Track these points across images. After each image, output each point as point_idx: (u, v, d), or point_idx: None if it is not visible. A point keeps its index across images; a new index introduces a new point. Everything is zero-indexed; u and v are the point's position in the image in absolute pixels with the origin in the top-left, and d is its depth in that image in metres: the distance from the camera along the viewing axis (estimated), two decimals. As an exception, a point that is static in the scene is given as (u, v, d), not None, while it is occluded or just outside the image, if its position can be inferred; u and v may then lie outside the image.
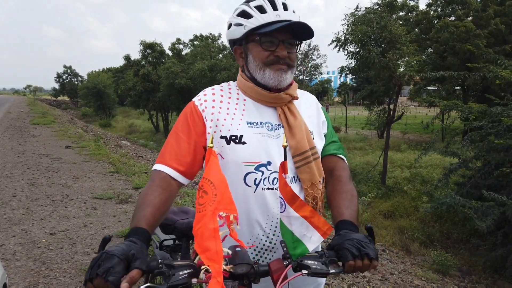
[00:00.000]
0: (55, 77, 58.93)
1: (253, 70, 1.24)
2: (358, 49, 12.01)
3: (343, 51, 12.37)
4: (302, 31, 1.20)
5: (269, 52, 1.20)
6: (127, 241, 0.96)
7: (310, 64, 23.47)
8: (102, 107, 35.39)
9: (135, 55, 35.68)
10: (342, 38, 12.11)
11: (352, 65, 13.23)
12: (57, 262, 3.56)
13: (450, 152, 7.51)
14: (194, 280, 0.93)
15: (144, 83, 28.52)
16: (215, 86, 1.32)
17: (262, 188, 1.19)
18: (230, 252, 0.97)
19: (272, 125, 1.25)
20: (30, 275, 3.31)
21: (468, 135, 7.20)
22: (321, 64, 23.88)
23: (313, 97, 1.42)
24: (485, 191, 5.37)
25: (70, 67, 58.64)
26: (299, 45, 1.26)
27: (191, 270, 0.92)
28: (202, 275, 0.93)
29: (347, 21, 11.98)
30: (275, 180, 1.20)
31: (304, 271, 0.96)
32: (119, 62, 46.39)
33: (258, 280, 0.99)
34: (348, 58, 12.60)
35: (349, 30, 11.80)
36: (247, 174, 1.19)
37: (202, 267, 0.91)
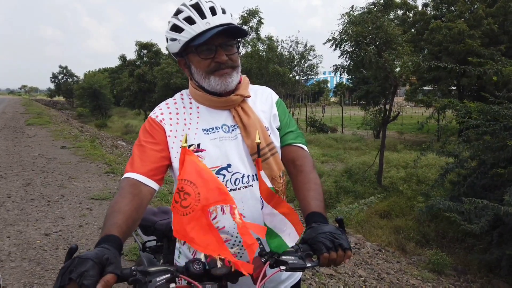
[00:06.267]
0: (50, 77, 58.74)
1: (199, 79, 1.26)
2: (353, 48, 12.03)
3: (339, 50, 12.38)
4: (237, 29, 1.21)
5: (209, 60, 1.21)
6: (99, 248, 0.91)
7: (306, 65, 23.49)
8: (98, 108, 35.21)
9: (132, 55, 35.60)
10: (338, 38, 12.13)
11: (347, 63, 13.21)
12: (52, 263, 3.54)
13: (446, 152, 7.54)
14: (172, 285, 0.91)
15: (139, 84, 28.41)
16: (168, 100, 1.35)
17: None
18: (226, 237, 1.00)
19: (228, 127, 1.27)
20: (25, 275, 3.29)
21: (464, 133, 7.21)
22: (317, 64, 23.90)
23: (268, 91, 1.42)
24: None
25: (66, 67, 58.44)
26: (238, 43, 1.26)
27: (168, 275, 0.90)
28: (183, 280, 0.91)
29: (343, 21, 12.00)
30: (237, 180, 1.22)
31: (282, 267, 0.97)
32: (116, 62, 46.28)
33: (236, 279, 0.98)
34: (343, 57, 12.60)
35: (344, 30, 11.82)
36: None
37: (217, 257, 0.94)
